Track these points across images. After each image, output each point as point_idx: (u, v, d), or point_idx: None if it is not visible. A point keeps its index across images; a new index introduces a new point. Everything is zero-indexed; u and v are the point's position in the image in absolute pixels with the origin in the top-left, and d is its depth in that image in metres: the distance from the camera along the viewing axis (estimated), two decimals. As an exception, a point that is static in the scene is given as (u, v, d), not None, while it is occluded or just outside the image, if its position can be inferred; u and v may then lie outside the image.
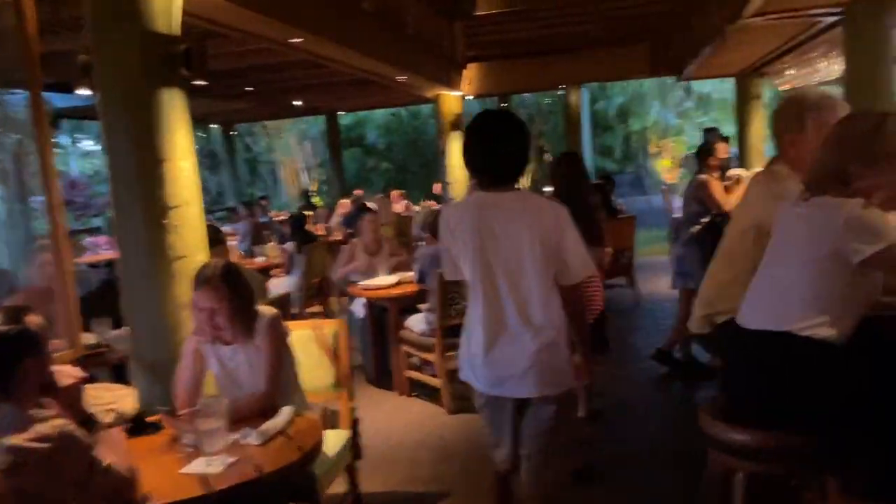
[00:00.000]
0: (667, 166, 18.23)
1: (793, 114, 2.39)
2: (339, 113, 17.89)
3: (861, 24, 4.08)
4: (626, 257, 7.73)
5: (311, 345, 3.20)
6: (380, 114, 20.34)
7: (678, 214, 13.25)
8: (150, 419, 2.57)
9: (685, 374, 5.11)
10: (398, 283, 5.27)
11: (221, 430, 2.25)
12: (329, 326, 3.27)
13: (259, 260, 7.74)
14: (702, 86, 17.23)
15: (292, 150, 23.50)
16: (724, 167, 5.25)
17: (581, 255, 2.33)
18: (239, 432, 2.31)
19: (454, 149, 9.06)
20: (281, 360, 2.70)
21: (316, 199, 21.33)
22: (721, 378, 2.18)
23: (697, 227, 4.96)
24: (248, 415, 2.47)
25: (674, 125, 17.93)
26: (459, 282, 2.46)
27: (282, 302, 4.29)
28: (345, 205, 12.14)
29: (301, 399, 2.84)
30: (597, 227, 4.44)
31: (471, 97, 9.29)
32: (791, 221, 2.02)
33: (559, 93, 18.03)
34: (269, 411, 2.48)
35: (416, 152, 21.16)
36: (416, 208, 12.82)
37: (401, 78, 6.98)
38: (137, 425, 2.55)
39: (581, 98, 12.91)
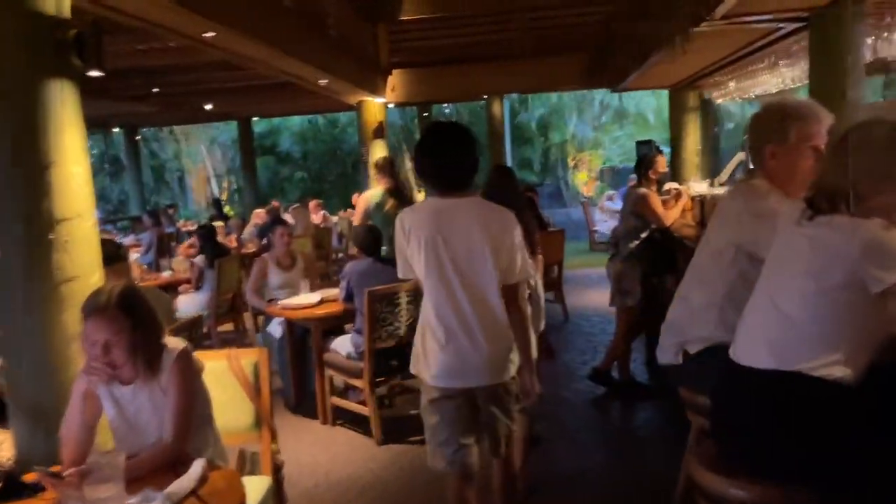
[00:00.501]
0: (583, 179, 18.48)
1: (775, 123, 2.23)
2: (253, 119, 17.22)
3: (826, 32, 4.02)
4: (554, 271, 7.60)
5: (227, 378, 2.78)
6: (295, 121, 19.72)
7: (598, 227, 13.58)
8: (27, 478, 2.12)
9: (625, 394, 4.95)
10: (321, 302, 4.88)
11: (117, 495, 1.84)
12: (247, 357, 2.86)
13: (165, 275, 7.15)
14: (614, 99, 17.57)
15: (202, 157, 22.51)
16: (661, 181, 5.15)
17: (524, 257, 2.54)
18: (139, 495, 1.90)
19: (376, 155, 8.73)
20: (191, 402, 2.29)
21: (228, 210, 20.47)
22: (712, 421, 1.93)
23: (636, 242, 4.83)
24: (151, 471, 2.08)
25: (590, 138, 18.19)
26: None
27: (192, 325, 3.83)
28: (259, 215, 11.69)
29: (217, 447, 2.44)
30: (531, 238, 4.44)
31: (392, 105, 8.97)
32: (794, 243, 1.79)
33: (480, 103, 18.06)
34: (177, 465, 2.09)
35: (334, 161, 20.62)
36: (335, 219, 12.42)
37: (322, 81, 6.59)
38: (10, 486, 2.09)
39: (504, 109, 12.84)
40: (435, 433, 2.52)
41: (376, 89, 8.38)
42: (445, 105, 18.49)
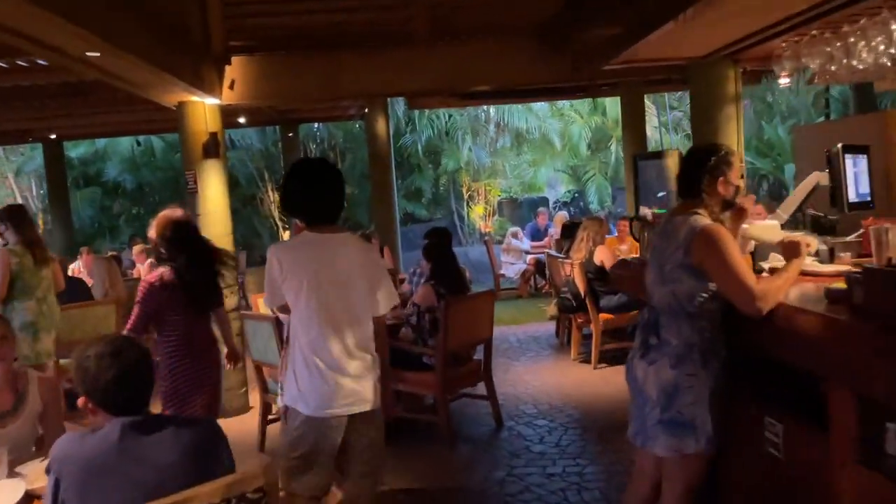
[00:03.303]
0: (480, 213, 16.34)
1: None
2: (65, 143, 13.84)
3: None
4: (476, 352, 5.27)
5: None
6: (124, 144, 16.37)
7: (504, 271, 11.38)
8: None
9: None
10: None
11: None
12: None
13: None
14: (513, 119, 15.65)
15: (9, 189, 18.48)
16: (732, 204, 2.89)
17: (390, 290, 2.84)
18: None
19: (210, 183, 6.02)
20: None
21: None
22: None
23: (702, 328, 2.53)
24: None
25: (487, 165, 16.05)
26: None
27: None
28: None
29: None
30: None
31: (228, 105, 6.26)
32: None
33: (357, 123, 15.54)
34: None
35: (178, 193, 17.33)
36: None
37: (92, 54, 3.84)
38: None
39: (389, 126, 10.45)
40: (304, 460, 2.69)
41: (205, 84, 5.71)
42: (315, 124, 15.85)
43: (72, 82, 7.63)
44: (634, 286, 3.41)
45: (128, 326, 3.50)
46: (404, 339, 5.01)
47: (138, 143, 16.34)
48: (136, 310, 3.52)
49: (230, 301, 5.28)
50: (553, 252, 8.21)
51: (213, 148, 6.04)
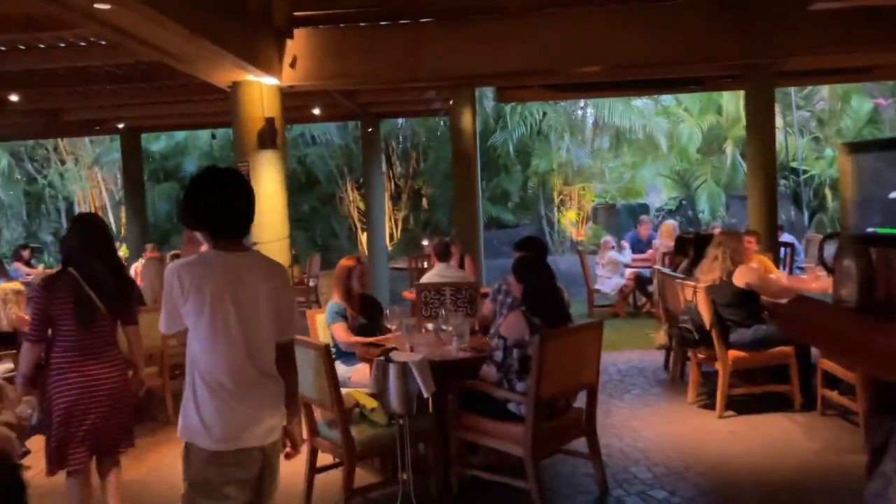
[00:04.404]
0: (573, 219, 15.10)
1: None
2: (142, 134, 13.55)
3: None
4: (577, 399, 4.19)
5: None
6: (204, 137, 16.06)
7: (599, 286, 10.18)
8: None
9: None
10: None
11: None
12: None
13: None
14: (614, 116, 14.33)
15: (94, 181, 18.61)
16: None
17: (296, 313, 2.72)
18: None
19: (265, 178, 5.20)
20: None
21: (123, 249, 16.73)
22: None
23: None
24: None
25: (586, 167, 14.74)
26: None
27: None
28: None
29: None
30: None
31: (289, 86, 5.39)
32: None
33: (441, 121, 14.65)
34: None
35: (256, 190, 16.93)
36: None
37: (102, 6, 3.04)
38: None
39: (476, 122, 9.49)
40: (210, 497, 2.50)
41: (261, 60, 4.89)
42: (398, 120, 15.06)
43: (131, 64, 7.04)
44: (830, 341, 2.29)
45: None
46: (486, 379, 4.00)
47: (213, 137, 16.02)
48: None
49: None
50: (666, 270, 6.99)
51: (269, 136, 5.23)
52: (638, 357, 7.33)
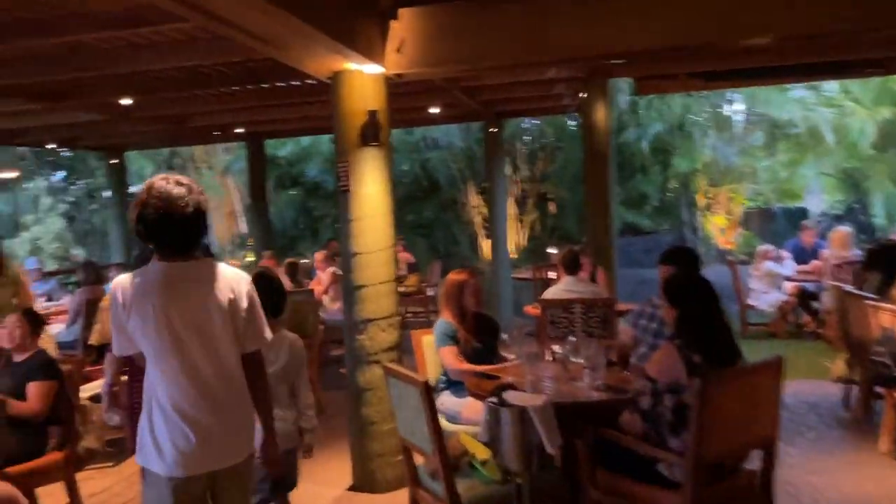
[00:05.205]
0: (720, 225, 13.68)
1: None
2: (266, 140, 13.56)
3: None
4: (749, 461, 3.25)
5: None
6: (327, 143, 16.00)
7: (753, 301, 8.93)
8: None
9: None
10: None
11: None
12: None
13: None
14: (770, 109, 12.80)
15: (223, 189, 19.11)
16: None
17: (262, 320, 2.57)
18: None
19: (367, 178, 4.62)
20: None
21: (248, 255, 17.00)
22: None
23: None
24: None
25: (735, 167, 13.29)
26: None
27: None
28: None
29: None
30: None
31: (395, 75, 4.76)
32: None
33: (570, 119, 13.71)
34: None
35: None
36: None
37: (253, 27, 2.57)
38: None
39: (611, 117, 8.63)
40: None
41: (362, 44, 4.31)
42: (524, 120, 14.25)
43: (239, 63, 6.73)
44: None
45: None
46: (629, 431, 3.17)
47: (334, 142, 15.93)
48: None
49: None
50: (849, 287, 5.79)
51: (372, 132, 4.63)
52: (808, 389, 6.18)
